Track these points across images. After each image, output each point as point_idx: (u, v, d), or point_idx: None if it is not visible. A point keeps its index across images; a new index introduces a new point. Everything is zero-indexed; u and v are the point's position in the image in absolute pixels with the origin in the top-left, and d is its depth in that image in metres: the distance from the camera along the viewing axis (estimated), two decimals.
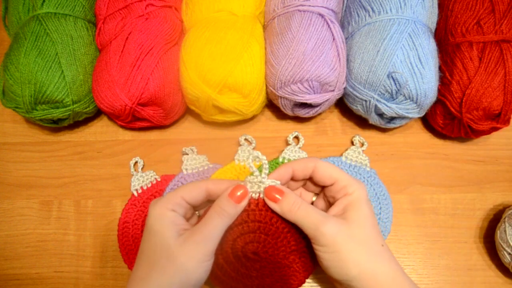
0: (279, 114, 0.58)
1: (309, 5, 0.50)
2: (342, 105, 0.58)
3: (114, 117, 0.54)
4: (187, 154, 0.55)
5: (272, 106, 0.58)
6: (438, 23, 0.55)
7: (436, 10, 0.54)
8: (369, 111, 0.52)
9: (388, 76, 0.48)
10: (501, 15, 0.50)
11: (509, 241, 0.47)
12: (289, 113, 0.54)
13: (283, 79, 0.49)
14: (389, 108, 0.50)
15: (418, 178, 0.56)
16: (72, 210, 0.54)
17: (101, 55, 0.53)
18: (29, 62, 0.49)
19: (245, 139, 0.56)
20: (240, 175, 0.54)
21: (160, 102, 0.51)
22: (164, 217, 0.38)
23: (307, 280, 0.43)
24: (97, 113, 0.59)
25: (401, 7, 0.50)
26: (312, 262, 0.43)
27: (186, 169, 0.54)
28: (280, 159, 0.55)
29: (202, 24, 0.51)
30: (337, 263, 0.37)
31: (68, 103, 0.52)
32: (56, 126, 0.55)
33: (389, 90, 0.49)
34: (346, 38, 0.53)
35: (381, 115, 0.53)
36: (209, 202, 0.42)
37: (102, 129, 0.59)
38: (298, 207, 0.39)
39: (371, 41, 0.50)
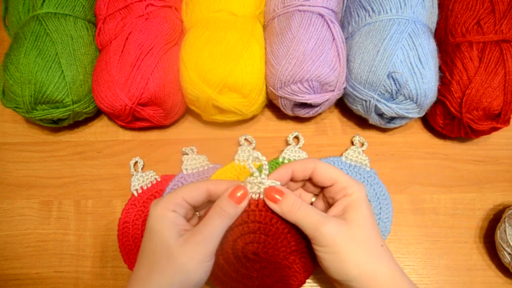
0: (279, 114, 0.58)
1: (309, 5, 0.50)
2: (342, 105, 0.58)
3: (114, 117, 0.54)
4: (187, 154, 0.55)
5: (272, 106, 0.58)
6: (438, 23, 0.55)
7: (436, 10, 0.54)
8: (369, 111, 0.52)
9: (388, 76, 0.48)
10: (501, 15, 0.50)
11: (509, 241, 0.47)
12: (289, 113, 0.54)
13: (283, 79, 0.49)
14: (389, 108, 0.50)
15: (418, 178, 0.56)
16: (72, 210, 0.54)
17: (101, 55, 0.53)
18: (29, 62, 0.49)
19: (245, 139, 0.56)
20: (240, 175, 0.54)
21: (160, 102, 0.51)
22: (165, 217, 0.38)
23: (307, 280, 0.44)
24: (97, 113, 0.59)
25: (401, 7, 0.50)
26: (312, 263, 0.43)
27: (186, 169, 0.54)
28: (280, 159, 0.55)
29: (202, 24, 0.51)
30: (337, 264, 0.37)
31: (68, 103, 0.52)
32: (56, 126, 0.55)
33: (389, 90, 0.49)
34: (346, 38, 0.53)
35: (381, 115, 0.53)
36: (209, 202, 0.42)
37: (102, 129, 0.59)
38: (298, 208, 0.39)
39: (371, 41, 0.50)
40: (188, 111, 0.59)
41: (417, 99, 0.49)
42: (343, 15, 0.56)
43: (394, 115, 0.51)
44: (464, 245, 0.52)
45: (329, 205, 0.43)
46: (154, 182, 0.54)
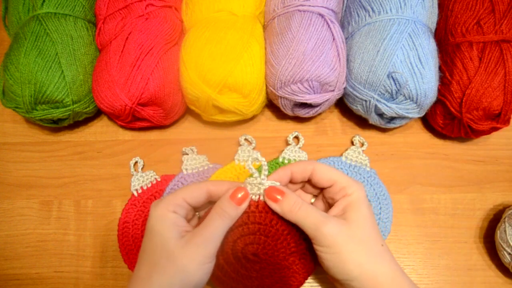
0: (279, 114, 0.58)
1: (309, 5, 0.50)
2: (342, 105, 0.58)
3: (114, 117, 0.54)
4: (187, 154, 0.55)
5: (272, 106, 0.58)
6: (438, 23, 0.55)
7: (436, 10, 0.54)
8: (369, 111, 0.52)
9: (388, 76, 0.48)
10: (501, 15, 0.50)
11: (509, 241, 0.47)
12: (289, 113, 0.54)
13: (283, 79, 0.49)
14: (389, 108, 0.50)
15: (418, 178, 0.56)
16: (72, 210, 0.54)
17: (101, 55, 0.53)
18: (29, 62, 0.49)
19: (245, 139, 0.56)
20: (240, 175, 0.54)
21: (160, 102, 0.51)
22: (165, 218, 0.38)
23: (307, 280, 0.44)
24: (97, 113, 0.59)
25: (401, 7, 0.50)
26: (312, 263, 0.43)
27: (186, 169, 0.54)
28: (280, 159, 0.55)
29: (202, 24, 0.51)
30: (338, 264, 0.37)
31: (68, 103, 0.51)
32: (56, 126, 0.55)
33: (389, 90, 0.49)
34: (346, 38, 0.53)
35: (381, 115, 0.53)
36: (209, 203, 0.42)
37: (102, 129, 0.59)
38: (298, 208, 0.39)
39: (371, 41, 0.50)
40: (188, 111, 0.59)
41: (417, 99, 0.49)
42: (343, 15, 0.56)
43: (394, 115, 0.51)
44: (464, 245, 0.52)
45: (329, 205, 0.43)
46: (154, 182, 0.54)
